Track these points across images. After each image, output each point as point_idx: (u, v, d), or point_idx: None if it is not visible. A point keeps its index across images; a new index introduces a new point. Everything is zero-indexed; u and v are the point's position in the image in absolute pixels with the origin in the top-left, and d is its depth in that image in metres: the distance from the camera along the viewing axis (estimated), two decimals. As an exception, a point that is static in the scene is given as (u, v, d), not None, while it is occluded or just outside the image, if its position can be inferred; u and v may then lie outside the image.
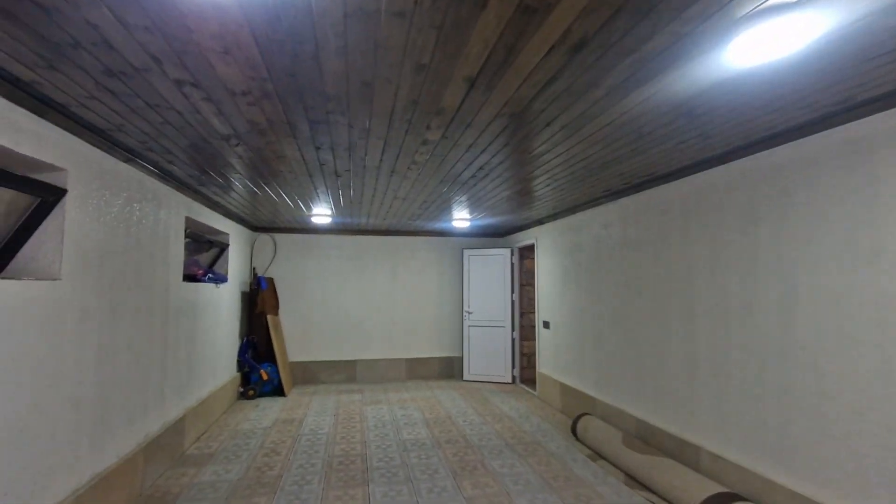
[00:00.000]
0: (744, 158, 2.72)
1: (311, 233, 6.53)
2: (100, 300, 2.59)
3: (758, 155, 2.63)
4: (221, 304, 4.90)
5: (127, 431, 2.88)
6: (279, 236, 6.47)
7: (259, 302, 5.83)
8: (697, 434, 3.09)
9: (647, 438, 3.57)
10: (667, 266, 3.43)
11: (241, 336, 5.75)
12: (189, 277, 4.21)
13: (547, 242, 5.56)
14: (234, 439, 4.09)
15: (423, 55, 1.62)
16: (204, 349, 4.33)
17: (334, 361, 6.53)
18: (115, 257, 2.74)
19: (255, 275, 6.23)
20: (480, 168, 3.16)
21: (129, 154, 2.75)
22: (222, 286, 4.91)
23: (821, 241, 2.29)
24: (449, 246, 7.02)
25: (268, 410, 5.04)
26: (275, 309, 6.19)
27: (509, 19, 1.41)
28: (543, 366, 5.61)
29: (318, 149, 2.71)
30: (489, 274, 6.65)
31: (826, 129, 2.20)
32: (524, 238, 6.26)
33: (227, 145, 2.65)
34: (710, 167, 2.95)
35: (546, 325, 5.57)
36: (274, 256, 6.43)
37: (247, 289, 6.04)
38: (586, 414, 4.15)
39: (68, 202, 2.29)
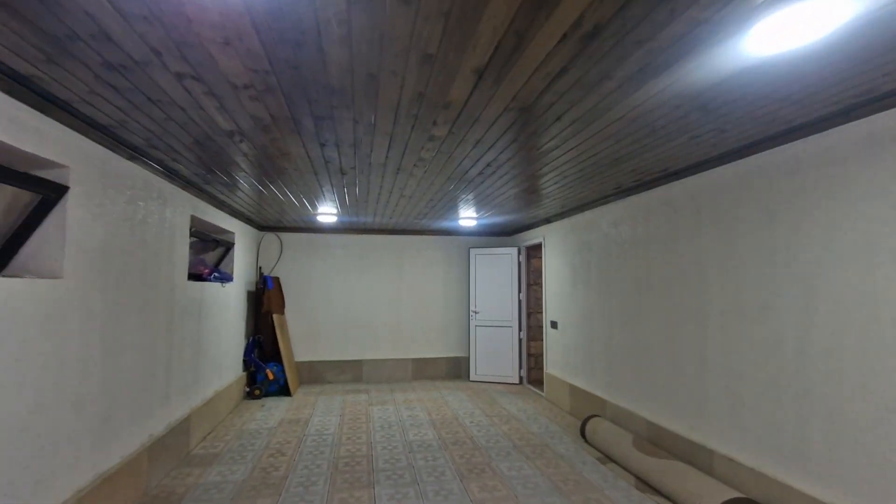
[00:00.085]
0: (760, 154, 2.64)
1: (317, 232, 6.50)
2: (103, 299, 2.57)
3: (775, 150, 2.55)
4: (227, 303, 4.88)
5: (131, 431, 2.86)
6: (285, 235, 6.45)
7: (265, 301, 5.81)
8: (710, 437, 3.01)
9: (657, 441, 3.50)
10: (678, 265, 3.35)
11: (247, 335, 5.74)
12: (195, 276, 4.19)
13: (555, 241, 5.49)
14: (240, 439, 4.07)
15: (429, 45, 1.57)
16: (209, 348, 4.31)
17: (340, 361, 6.50)
18: (119, 256, 2.72)
19: (261, 274, 6.22)
20: (488, 165, 3.10)
21: (133, 152, 2.73)
22: (228, 285, 4.89)
23: (842, 239, 2.21)
24: (455, 245, 6.97)
25: (273, 410, 5.02)
26: (281, 308, 6.17)
27: (520, 6, 1.35)
28: (551, 366, 5.54)
29: (322, 145, 2.67)
30: (496, 273, 6.58)
31: (848, 122, 2.12)
32: (531, 237, 6.19)
33: (231, 142, 2.61)
34: (724, 163, 2.87)
35: (554, 325, 5.50)
36: (280, 256, 6.41)
37: (253, 288, 6.02)
38: (595, 416, 4.08)
39: (70, 200, 2.26)
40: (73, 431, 2.31)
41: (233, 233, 5.06)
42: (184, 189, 3.64)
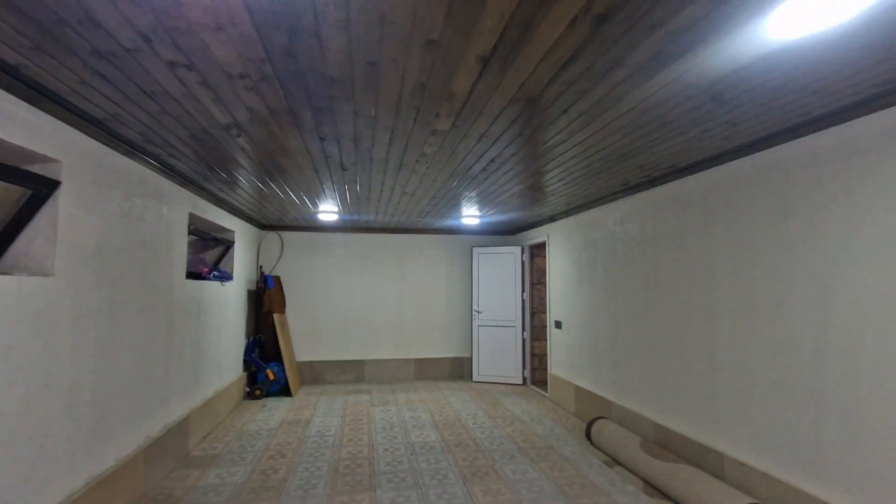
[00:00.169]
0: (773, 148, 2.56)
1: (319, 231, 6.44)
2: (98, 297, 2.50)
3: (790, 143, 2.46)
4: (227, 302, 4.82)
5: (127, 433, 2.79)
6: (286, 234, 6.39)
7: (266, 300, 5.74)
8: (721, 440, 2.92)
9: (666, 444, 3.41)
10: (687, 263, 3.26)
11: (248, 335, 5.67)
12: (194, 275, 4.13)
13: (559, 240, 5.40)
14: (240, 441, 4.00)
15: (432, 30, 1.49)
16: (209, 348, 4.25)
17: (342, 361, 6.43)
18: (114, 254, 2.65)
19: (261, 273, 6.15)
20: (492, 161, 3.02)
21: (128, 147, 2.66)
22: (228, 284, 4.83)
23: (861, 235, 2.12)
24: (458, 244, 6.89)
25: (274, 411, 4.95)
26: (282, 307, 6.11)
27: (527, -14, 1.28)
28: (555, 367, 5.46)
29: (322, 139, 2.60)
30: (499, 272, 6.50)
31: (869, 112, 2.03)
32: (535, 236, 6.11)
33: (228, 136, 2.54)
34: (736, 158, 2.78)
35: (558, 324, 5.41)
36: (281, 254, 6.35)
37: (253, 287, 5.96)
38: (601, 417, 3.99)
39: (62, 195, 2.20)
40: (66, 433, 2.24)
41: (233, 231, 5.00)
42: (182, 186, 3.57)
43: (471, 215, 5.30)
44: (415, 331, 6.69)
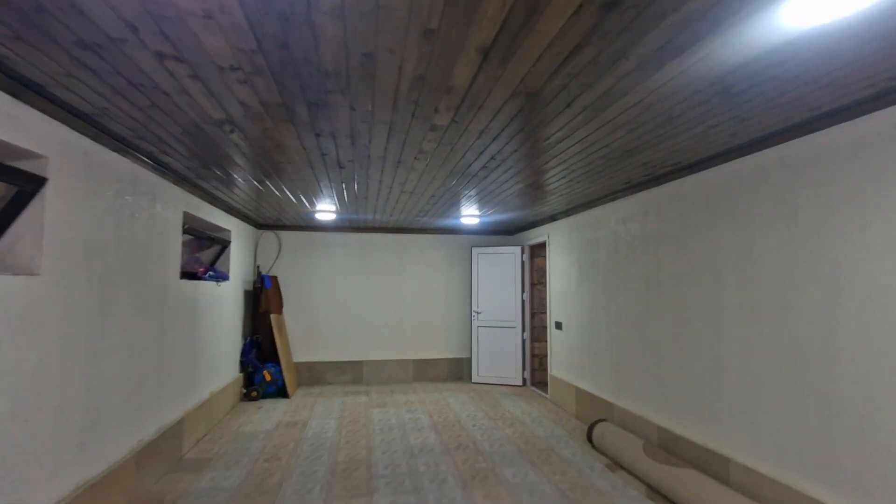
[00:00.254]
0: (781, 145, 2.49)
1: (317, 230, 6.37)
2: (88, 298, 2.43)
3: (798, 140, 2.40)
4: (223, 302, 4.75)
5: (118, 436, 2.72)
6: (284, 234, 6.32)
7: (263, 300, 5.67)
8: (726, 444, 2.86)
9: (669, 447, 3.35)
10: (691, 263, 3.20)
11: (245, 335, 5.60)
12: (189, 275, 4.06)
13: (560, 239, 5.34)
14: (235, 443, 3.93)
15: (430, 18, 1.42)
16: (205, 349, 4.18)
17: (340, 362, 6.36)
18: (105, 253, 2.58)
19: (258, 273, 6.08)
20: (492, 158, 2.95)
21: (119, 143, 2.59)
22: (224, 284, 4.76)
23: (872, 233, 2.06)
24: (457, 244, 6.82)
25: (271, 412, 4.88)
26: (279, 308, 6.03)
27: (531, -30, 1.21)
28: (556, 368, 5.39)
29: (318, 136, 2.53)
30: (499, 273, 6.44)
31: (882, 107, 1.97)
32: (535, 235, 6.04)
33: (221, 132, 2.47)
34: (742, 155, 2.72)
35: (558, 325, 5.35)
36: (278, 254, 6.28)
37: (250, 287, 5.89)
38: (603, 420, 3.93)
39: (49, 192, 2.13)
40: (55, 437, 2.18)
41: (229, 230, 4.93)
42: (176, 184, 3.50)
43: (470, 215, 5.23)
44: (414, 331, 6.62)
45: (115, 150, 2.64)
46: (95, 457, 2.50)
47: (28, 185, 2.03)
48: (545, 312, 6.24)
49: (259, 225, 6.10)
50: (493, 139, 2.59)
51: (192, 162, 3.05)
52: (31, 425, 2.03)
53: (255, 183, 3.67)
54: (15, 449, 1.94)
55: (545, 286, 6.17)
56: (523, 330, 6.29)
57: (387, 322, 6.54)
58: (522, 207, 4.75)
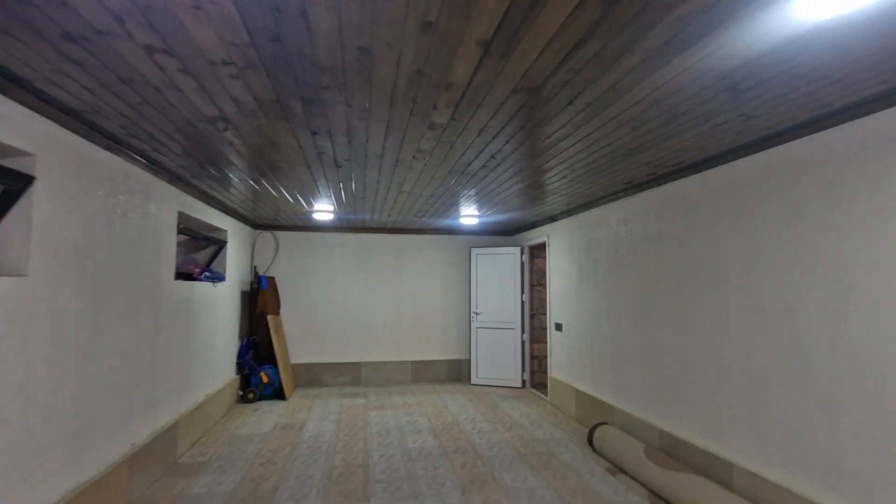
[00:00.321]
0: (788, 144, 2.44)
1: (314, 230, 6.31)
2: (79, 299, 2.37)
3: (806, 139, 2.35)
4: (220, 303, 4.69)
5: (110, 440, 2.66)
6: (281, 234, 6.26)
7: (260, 301, 5.61)
8: (729, 449, 2.81)
9: (671, 452, 3.29)
10: (694, 264, 3.14)
11: (241, 337, 5.54)
12: (185, 276, 4.00)
13: (560, 240, 5.29)
14: (230, 446, 3.87)
15: (429, 10, 1.37)
16: (200, 351, 4.12)
17: (338, 363, 6.30)
18: (96, 253, 2.52)
19: (255, 273, 6.02)
20: (492, 157, 2.90)
21: (110, 141, 2.53)
22: (221, 285, 4.70)
23: (882, 234, 2.00)
24: (456, 244, 6.77)
25: (267, 415, 4.82)
26: (276, 309, 5.97)
27: (534, -42, 1.16)
28: (556, 370, 5.34)
29: (314, 134, 2.47)
30: (498, 273, 6.38)
31: (893, 105, 1.91)
32: (535, 236, 5.99)
33: (215, 130, 2.42)
34: (747, 154, 2.66)
35: (558, 326, 5.29)
36: (276, 255, 6.22)
37: (247, 288, 5.83)
38: (603, 423, 3.87)
39: (37, 191, 2.07)
40: (43, 442, 2.12)
41: (225, 231, 4.87)
42: (170, 183, 3.44)
43: (469, 215, 5.18)
44: (412, 332, 6.57)
45: (106, 148, 2.58)
46: (86, 462, 2.44)
47: (15, 184, 1.97)
48: (545, 313, 6.19)
49: (256, 225, 6.04)
50: (493, 137, 2.53)
51: (185, 160, 2.99)
52: (17, 430, 1.97)
53: (250, 182, 3.61)
54: (1, 455, 1.88)
55: (545, 287, 6.12)
56: (523, 331, 6.24)
57: (385, 323, 6.49)
58: (522, 207, 4.70)
